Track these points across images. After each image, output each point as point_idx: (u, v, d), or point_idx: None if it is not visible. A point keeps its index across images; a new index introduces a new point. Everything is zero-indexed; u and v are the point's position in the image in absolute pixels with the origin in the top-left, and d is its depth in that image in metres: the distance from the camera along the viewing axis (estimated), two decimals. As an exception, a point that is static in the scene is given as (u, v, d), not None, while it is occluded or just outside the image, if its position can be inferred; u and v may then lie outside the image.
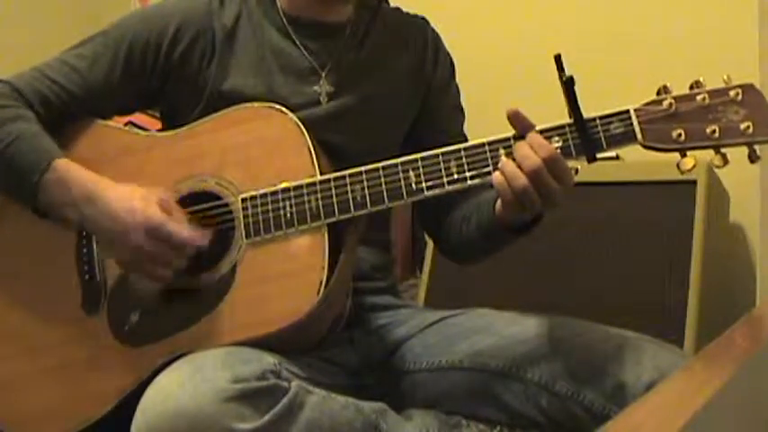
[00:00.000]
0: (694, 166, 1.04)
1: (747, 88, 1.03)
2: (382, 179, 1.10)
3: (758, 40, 1.96)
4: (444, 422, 1.16)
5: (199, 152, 1.19)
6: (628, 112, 1.05)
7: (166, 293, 1.14)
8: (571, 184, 1.06)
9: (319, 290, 1.06)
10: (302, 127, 1.15)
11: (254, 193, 1.14)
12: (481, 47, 2.27)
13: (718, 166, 1.04)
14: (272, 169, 1.14)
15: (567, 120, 1.06)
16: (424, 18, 1.40)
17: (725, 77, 1.04)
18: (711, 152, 1.04)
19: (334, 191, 1.11)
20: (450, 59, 1.40)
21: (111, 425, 1.11)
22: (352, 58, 1.29)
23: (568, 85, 1.04)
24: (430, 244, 2.06)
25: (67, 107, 1.23)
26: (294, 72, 1.25)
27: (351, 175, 1.11)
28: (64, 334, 1.18)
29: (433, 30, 1.39)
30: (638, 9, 2.21)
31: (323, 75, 1.26)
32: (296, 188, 1.12)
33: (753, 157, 1.03)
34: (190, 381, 0.97)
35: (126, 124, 1.37)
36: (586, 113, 1.06)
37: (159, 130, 1.31)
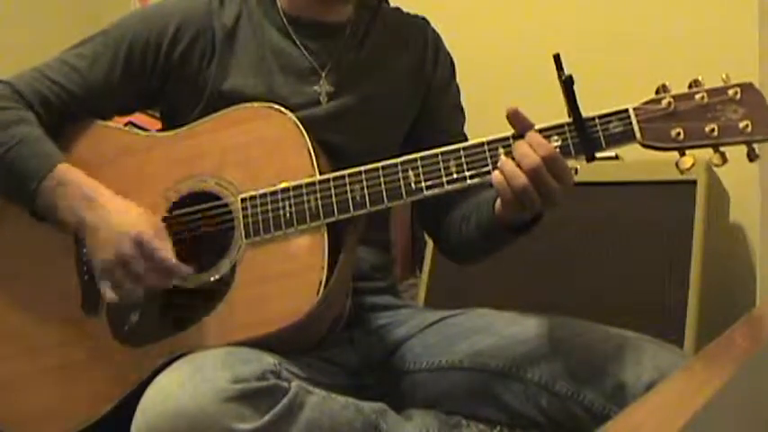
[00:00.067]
0: (693, 164, 1.04)
1: (746, 87, 1.03)
2: (381, 179, 1.10)
3: (758, 40, 1.96)
4: (444, 422, 1.16)
5: (199, 152, 1.19)
6: (627, 111, 1.05)
7: (166, 293, 1.14)
8: (571, 183, 1.06)
9: (319, 290, 1.06)
10: (302, 127, 1.15)
11: (253, 193, 1.14)
12: (481, 47, 2.27)
13: (717, 165, 1.04)
14: (272, 169, 1.14)
15: (566, 119, 1.06)
16: (424, 18, 1.40)
17: (723, 76, 1.04)
18: (710, 151, 1.04)
19: (333, 191, 1.11)
20: (451, 59, 1.40)
21: (111, 425, 1.11)
22: (352, 58, 1.29)
23: (567, 84, 1.04)
24: (430, 244, 2.06)
25: (68, 107, 1.23)
26: (294, 72, 1.25)
27: (350, 175, 1.11)
28: (64, 334, 1.18)
29: (433, 30, 1.39)
30: (638, 9, 2.21)
31: (323, 75, 1.26)
32: (295, 188, 1.12)
33: (752, 156, 1.03)
34: (190, 381, 0.97)
35: (126, 124, 1.37)
36: (585, 113, 1.06)
37: (159, 130, 1.31)
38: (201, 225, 1.16)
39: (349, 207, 1.10)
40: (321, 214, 1.10)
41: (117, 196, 1.15)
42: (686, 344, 1.69)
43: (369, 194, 1.10)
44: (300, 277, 1.09)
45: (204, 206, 1.17)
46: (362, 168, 1.11)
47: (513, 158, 1.05)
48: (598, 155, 1.06)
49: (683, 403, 0.63)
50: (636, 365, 1.08)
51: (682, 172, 1.05)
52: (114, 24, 1.27)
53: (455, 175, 1.08)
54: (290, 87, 1.24)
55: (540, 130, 1.06)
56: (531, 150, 1.04)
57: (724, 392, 0.65)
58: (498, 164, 1.06)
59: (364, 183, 1.10)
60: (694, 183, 1.80)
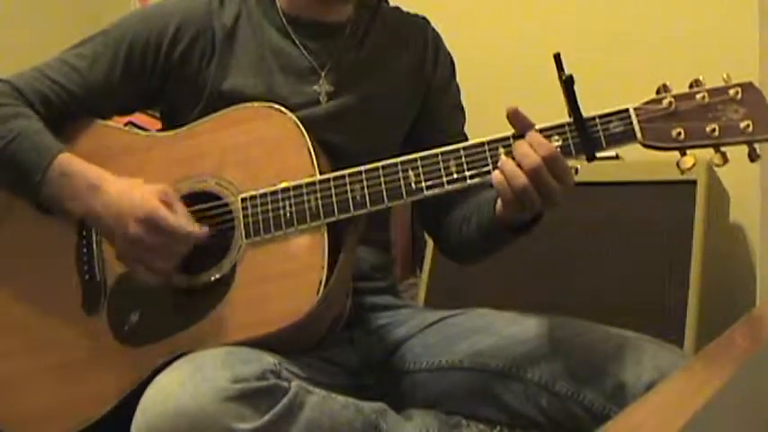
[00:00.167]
0: (694, 164, 1.04)
1: (747, 87, 1.03)
2: (382, 179, 1.10)
3: (758, 40, 1.96)
4: (444, 422, 1.16)
5: (199, 152, 1.19)
6: (627, 110, 1.05)
7: (166, 293, 1.14)
8: (571, 183, 1.06)
9: (319, 290, 1.06)
10: (302, 127, 1.15)
11: (253, 192, 1.14)
12: (481, 47, 2.27)
13: (717, 165, 1.04)
14: (272, 169, 1.14)
15: (566, 119, 1.06)
16: (424, 18, 1.40)
17: (724, 76, 1.04)
18: (711, 151, 1.04)
19: (333, 190, 1.11)
20: (451, 59, 1.40)
21: (111, 425, 1.11)
22: (352, 57, 1.29)
23: (568, 84, 1.04)
24: (430, 244, 2.06)
25: (67, 107, 1.23)
26: (294, 72, 1.25)
27: (350, 175, 1.11)
28: (64, 334, 1.18)
29: (433, 29, 1.39)
30: (638, 9, 2.21)
31: (322, 74, 1.26)
32: (295, 188, 1.12)
33: (753, 156, 1.03)
34: (190, 380, 0.97)
35: (126, 124, 1.37)
36: (586, 112, 1.06)
37: (159, 130, 1.31)
38: (201, 225, 1.16)
39: (349, 207, 1.10)
40: (321, 214, 1.10)
41: (121, 179, 1.15)
42: (686, 344, 1.69)
43: (369, 194, 1.10)
44: (300, 277, 1.09)
45: (204, 206, 1.17)
46: (363, 168, 1.11)
47: (514, 158, 1.05)
48: (598, 155, 1.06)
49: (683, 403, 0.63)
50: (636, 365, 1.08)
51: (682, 172, 1.05)
52: (114, 24, 1.27)
53: (455, 175, 1.08)
54: (290, 87, 1.24)
55: (541, 130, 1.06)
56: (531, 150, 1.04)
57: (724, 392, 0.65)
58: (498, 164, 1.06)
59: (364, 183, 1.10)
60: (694, 183, 1.80)
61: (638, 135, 1.04)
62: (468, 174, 1.08)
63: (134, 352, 1.13)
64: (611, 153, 1.18)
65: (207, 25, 1.24)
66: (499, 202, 1.11)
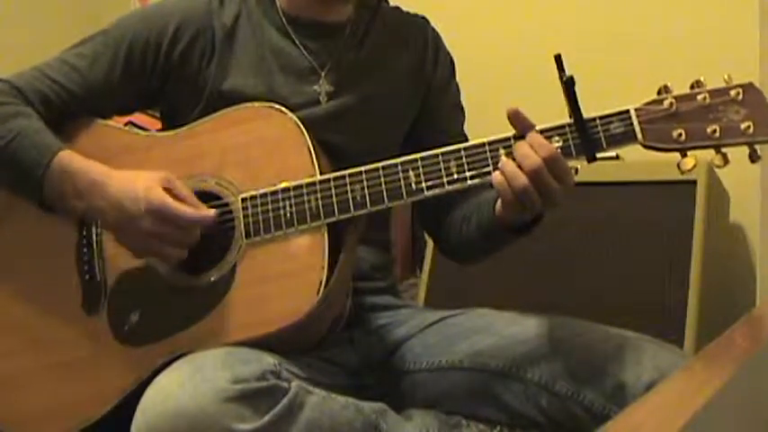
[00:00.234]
0: (695, 165, 1.04)
1: (748, 88, 1.03)
2: (382, 179, 1.10)
3: (758, 40, 1.96)
4: (444, 422, 1.16)
5: (199, 152, 1.19)
6: (628, 111, 1.05)
7: (166, 293, 1.14)
8: (571, 183, 1.06)
9: (319, 290, 1.06)
10: (302, 127, 1.15)
11: (253, 192, 1.14)
12: (481, 47, 2.27)
13: (718, 166, 1.04)
14: (272, 169, 1.14)
15: (567, 119, 1.06)
16: (424, 18, 1.40)
17: (725, 77, 1.04)
18: (712, 152, 1.04)
19: (333, 191, 1.11)
20: (451, 59, 1.40)
21: (111, 425, 1.11)
22: (352, 57, 1.29)
23: (568, 84, 1.04)
24: (430, 244, 2.06)
25: (67, 106, 1.23)
26: (294, 72, 1.25)
27: (350, 175, 1.11)
28: (64, 334, 1.18)
29: (433, 29, 1.39)
30: (638, 9, 2.21)
31: (322, 74, 1.26)
32: (296, 188, 1.12)
33: (753, 157, 1.03)
34: (190, 381, 0.97)
35: (126, 124, 1.37)
36: (586, 113, 1.06)
37: (159, 130, 1.31)
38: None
39: (349, 207, 1.10)
40: (321, 214, 1.10)
41: (122, 172, 1.15)
42: (686, 344, 1.69)
43: (369, 194, 1.10)
44: (300, 277, 1.09)
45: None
46: (363, 168, 1.11)
47: (514, 159, 1.05)
48: (599, 155, 1.06)
49: (683, 403, 0.63)
50: (636, 365, 1.08)
51: (683, 173, 1.05)
52: (114, 24, 1.27)
53: (456, 176, 1.08)
54: (290, 87, 1.24)
55: (541, 131, 1.06)
56: (531, 151, 1.04)
57: (724, 392, 0.65)
58: (499, 164, 1.06)
59: (365, 183, 1.10)
60: (694, 183, 1.80)
61: (639, 136, 1.04)
62: (468, 174, 1.08)
63: (134, 352, 1.13)
64: (612, 153, 1.18)
65: (207, 25, 1.24)
66: (499, 202, 1.11)
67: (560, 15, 2.30)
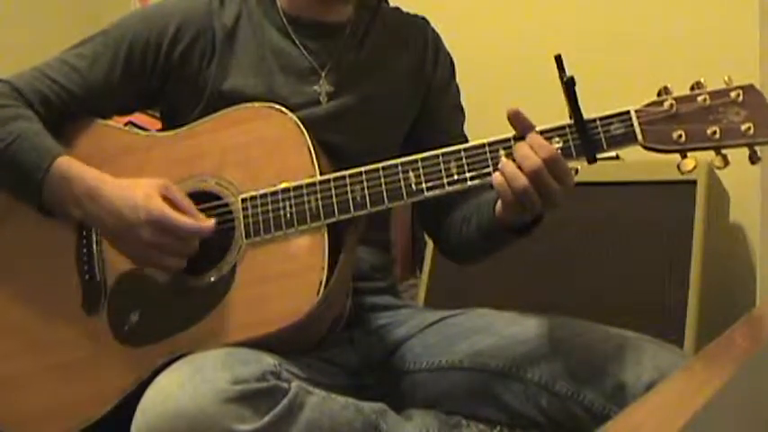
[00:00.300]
0: (695, 167, 1.04)
1: (748, 89, 1.03)
2: (382, 179, 1.10)
3: (758, 40, 1.96)
4: (444, 422, 1.16)
5: (199, 152, 1.19)
6: (628, 112, 1.05)
7: (166, 294, 1.14)
8: (571, 184, 1.06)
9: (319, 290, 1.06)
10: (302, 127, 1.15)
11: (253, 193, 1.14)
12: (481, 47, 2.27)
13: (718, 167, 1.04)
14: (272, 169, 1.14)
15: (567, 120, 1.06)
16: (424, 18, 1.40)
17: (726, 78, 1.04)
18: (712, 153, 1.04)
19: (333, 191, 1.11)
20: (451, 59, 1.40)
21: (111, 425, 1.11)
22: (352, 58, 1.29)
23: (569, 85, 1.04)
24: (430, 244, 2.06)
25: (67, 107, 1.23)
26: (294, 72, 1.25)
27: (350, 176, 1.11)
28: (64, 334, 1.18)
29: (433, 30, 1.39)
30: (638, 9, 2.21)
31: (323, 75, 1.27)
32: (296, 188, 1.12)
33: (753, 159, 1.03)
34: (190, 381, 0.97)
35: (126, 124, 1.37)
36: (587, 114, 1.05)
37: (159, 130, 1.31)
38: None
39: (349, 207, 1.10)
40: (321, 214, 1.10)
41: (120, 180, 1.15)
42: (686, 344, 1.69)
43: (369, 195, 1.10)
44: (300, 277, 1.09)
45: (204, 206, 1.17)
46: (363, 169, 1.11)
47: (514, 160, 1.05)
48: (599, 156, 1.06)
49: (683, 403, 0.63)
50: (636, 365, 1.08)
51: (683, 174, 1.05)
52: (114, 24, 1.27)
53: (456, 177, 1.08)
54: (290, 87, 1.24)
55: (542, 132, 1.06)
56: (532, 152, 1.04)
57: (724, 392, 0.65)
58: (499, 165, 1.06)
59: (365, 183, 1.10)
60: (694, 183, 1.80)
61: (639, 137, 1.04)
62: (468, 175, 1.08)
63: (134, 352, 1.13)
64: (612, 153, 1.18)
65: (207, 25, 1.24)
66: (499, 203, 1.11)
67: (560, 15, 2.30)
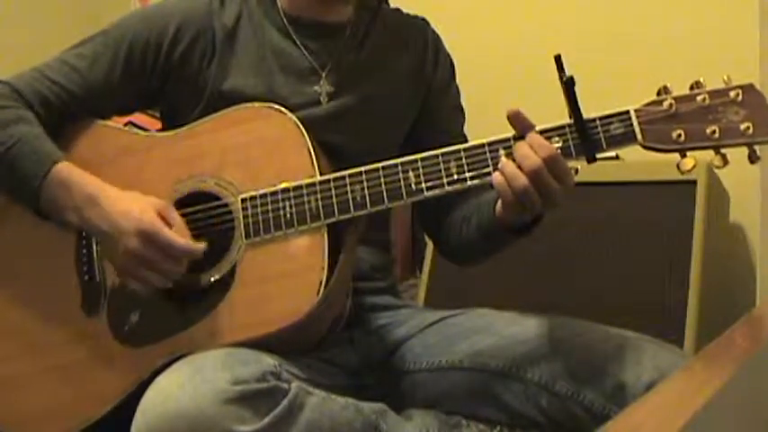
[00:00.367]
0: (694, 166, 1.04)
1: (747, 89, 1.03)
2: (382, 179, 1.10)
3: (758, 40, 1.96)
4: (444, 422, 1.16)
5: (198, 152, 1.19)
6: (628, 112, 1.05)
7: (166, 294, 1.14)
8: (571, 184, 1.06)
9: (319, 290, 1.06)
10: (302, 127, 1.15)
11: (253, 193, 1.14)
12: (481, 47, 2.27)
13: (718, 167, 1.04)
14: (272, 169, 1.14)
15: (567, 120, 1.06)
16: (424, 19, 1.40)
17: (725, 78, 1.04)
18: (711, 152, 1.04)
19: (333, 191, 1.11)
20: (451, 60, 1.40)
21: (111, 425, 1.11)
22: (353, 58, 1.29)
23: (568, 85, 1.04)
24: (430, 244, 2.06)
25: (67, 107, 1.23)
26: (294, 72, 1.25)
27: (350, 176, 1.11)
28: (64, 334, 1.18)
29: (433, 31, 1.39)
30: (638, 9, 2.21)
31: (323, 75, 1.27)
32: (296, 188, 1.12)
33: (753, 158, 1.03)
34: (190, 382, 0.97)
35: (126, 124, 1.37)
36: (586, 114, 1.06)
37: (159, 130, 1.31)
38: (201, 225, 1.16)
39: (349, 207, 1.10)
40: (321, 215, 1.10)
41: (119, 191, 1.15)
42: (686, 344, 1.69)
43: (369, 195, 1.10)
44: (300, 277, 1.09)
45: (204, 206, 1.17)
46: (363, 169, 1.11)
47: (514, 160, 1.05)
48: (599, 156, 1.06)
49: (683, 403, 0.63)
50: (636, 365, 1.08)
51: (683, 173, 1.05)
52: (114, 24, 1.27)
53: (455, 176, 1.08)
54: (291, 87, 1.24)
55: (541, 132, 1.06)
56: (531, 152, 1.04)
57: (724, 392, 0.65)
58: (499, 165, 1.06)
59: (365, 183, 1.10)
60: (694, 183, 1.80)
61: (639, 137, 1.05)
62: (468, 175, 1.08)
63: (134, 352, 1.13)
64: (612, 153, 1.18)
65: (207, 25, 1.25)
66: (499, 203, 1.11)
67: (560, 15, 2.30)
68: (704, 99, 1.03)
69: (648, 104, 1.05)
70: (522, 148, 1.05)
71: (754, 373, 0.78)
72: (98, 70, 1.24)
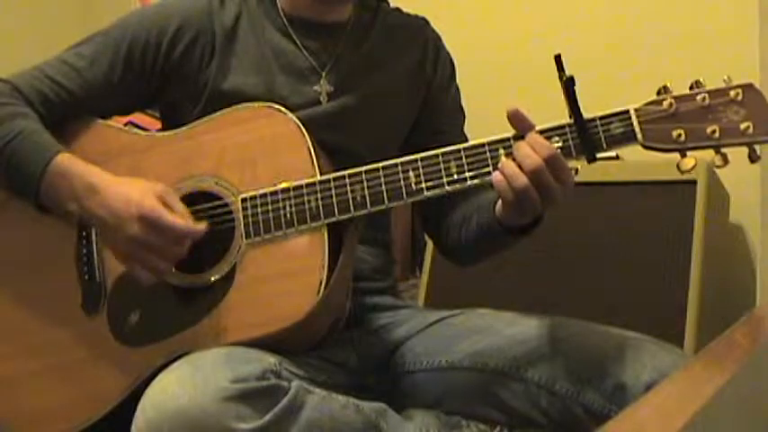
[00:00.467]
0: (694, 166, 1.04)
1: (747, 88, 1.03)
2: (382, 179, 1.10)
3: (758, 40, 1.96)
4: (444, 422, 1.16)
5: (198, 152, 1.19)
6: (628, 112, 1.05)
7: (166, 293, 1.14)
8: (571, 184, 1.06)
9: (319, 290, 1.06)
10: (302, 127, 1.15)
11: (253, 193, 1.14)
12: (481, 47, 2.27)
13: (718, 167, 1.04)
14: (272, 169, 1.14)
15: (567, 120, 1.06)
16: (424, 19, 1.40)
17: (725, 77, 1.04)
18: (712, 152, 1.04)
19: (333, 191, 1.11)
20: (451, 60, 1.40)
21: (112, 425, 1.11)
22: (352, 58, 1.29)
23: (568, 85, 1.04)
24: (430, 244, 2.06)
25: (67, 106, 1.23)
26: (294, 72, 1.26)
27: (350, 176, 1.11)
28: (64, 334, 1.18)
29: (433, 30, 1.39)
30: (638, 9, 2.21)
31: (323, 74, 1.27)
32: (296, 188, 1.12)
33: (753, 157, 1.03)
34: (190, 380, 0.97)
35: (126, 124, 1.36)
36: (586, 113, 1.06)
37: (159, 130, 1.31)
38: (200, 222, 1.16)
39: (349, 207, 1.10)
40: (321, 214, 1.10)
41: (119, 179, 1.15)
42: (686, 344, 1.69)
43: (369, 195, 1.10)
44: (301, 277, 1.09)
45: (204, 206, 1.17)
46: (363, 169, 1.11)
47: (514, 159, 1.05)
48: (599, 155, 1.06)
49: (682, 403, 0.63)
50: (636, 365, 1.08)
51: (683, 173, 1.05)
52: (114, 24, 1.27)
53: (455, 176, 1.08)
54: (290, 87, 1.25)
55: (541, 131, 1.06)
56: (531, 151, 1.04)
57: (724, 392, 0.65)
58: (499, 165, 1.06)
59: (365, 183, 1.10)
60: (694, 183, 1.80)
61: (639, 136, 1.04)
62: (468, 175, 1.08)
63: (134, 352, 1.13)
64: (612, 153, 1.18)
65: (207, 25, 1.25)
66: (499, 203, 1.11)
67: (560, 16, 2.30)
68: (704, 99, 1.03)
69: (648, 104, 1.05)
70: (522, 148, 1.05)
71: (754, 373, 0.78)
72: (98, 70, 1.24)
